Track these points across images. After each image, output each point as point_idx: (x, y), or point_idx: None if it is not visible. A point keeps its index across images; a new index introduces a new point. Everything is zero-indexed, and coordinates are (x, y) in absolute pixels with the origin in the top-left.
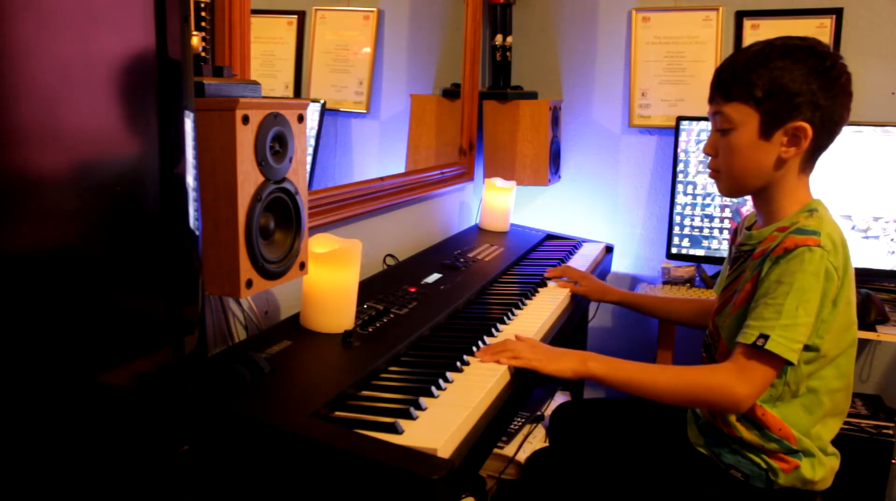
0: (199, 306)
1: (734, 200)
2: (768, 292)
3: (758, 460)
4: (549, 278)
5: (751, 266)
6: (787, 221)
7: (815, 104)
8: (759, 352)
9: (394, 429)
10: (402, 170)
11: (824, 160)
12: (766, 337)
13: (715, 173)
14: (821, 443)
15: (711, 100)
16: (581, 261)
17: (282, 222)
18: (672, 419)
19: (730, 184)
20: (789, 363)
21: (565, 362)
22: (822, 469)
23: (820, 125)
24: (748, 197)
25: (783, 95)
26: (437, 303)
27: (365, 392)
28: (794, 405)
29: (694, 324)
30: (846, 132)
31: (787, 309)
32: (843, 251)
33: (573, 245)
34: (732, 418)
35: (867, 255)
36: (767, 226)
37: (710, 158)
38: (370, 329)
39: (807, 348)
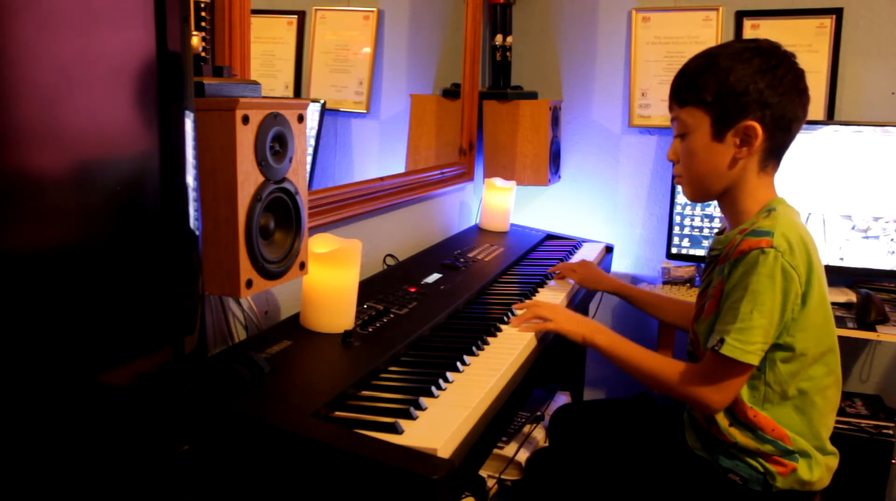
0: (199, 306)
1: None
2: (729, 297)
3: (755, 464)
4: (553, 273)
5: (717, 271)
6: (749, 223)
7: (763, 103)
8: (720, 357)
9: (394, 429)
10: (402, 170)
11: (824, 160)
12: (721, 342)
13: (679, 179)
14: (818, 442)
15: (670, 107)
16: None
17: (282, 222)
18: (671, 422)
19: (693, 188)
20: (750, 366)
21: (579, 327)
22: (819, 468)
23: (771, 124)
24: None
25: (731, 96)
26: (437, 303)
27: (365, 392)
28: (786, 407)
29: (681, 326)
30: (846, 132)
31: (741, 313)
32: (802, 250)
33: (573, 245)
34: (725, 424)
35: (867, 255)
36: (733, 230)
37: (674, 165)
38: (370, 329)
39: (780, 347)
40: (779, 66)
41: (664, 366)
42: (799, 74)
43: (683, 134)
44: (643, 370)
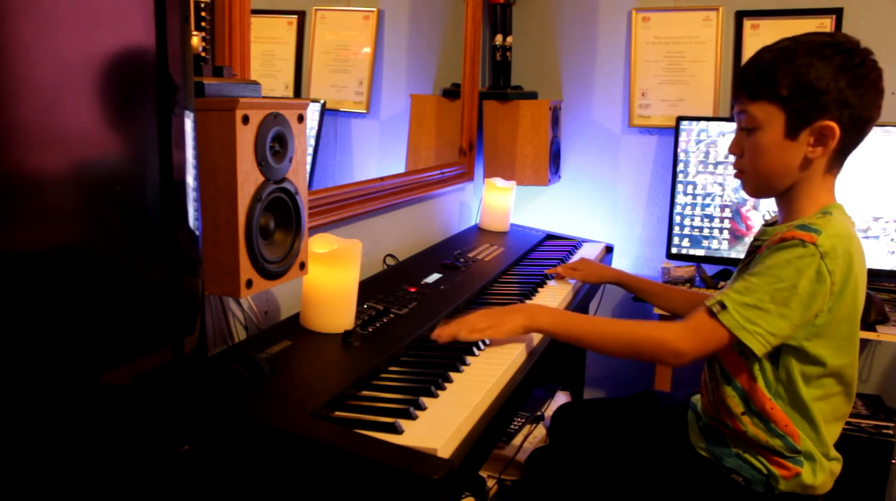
0: (199, 306)
1: (734, 200)
2: (749, 269)
3: (759, 465)
4: (551, 275)
5: (756, 260)
6: (802, 219)
7: (842, 103)
8: (712, 318)
9: (394, 429)
10: (402, 170)
11: None
12: (723, 307)
13: (740, 173)
14: (823, 448)
15: (736, 99)
16: None
17: (282, 222)
18: (673, 421)
19: (756, 184)
20: (745, 345)
21: (516, 320)
22: (822, 473)
23: (849, 124)
24: (748, 198)
25: (809, 93)
26: (437, 303)
27: (365, 392)
28: (794, 410)
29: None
30: None
31: (754, 289)
32: (845, 259)
33: (573, 245)
34: (738, 410)
35: (867, 255)
36: (784, 224)
37: (733, 157)
38: (370, 329)
39: (794, 351)
40: (861, 64)
41: (626, 326)
42: (879, 74)
43: (751, 129)
44: (601, 338)
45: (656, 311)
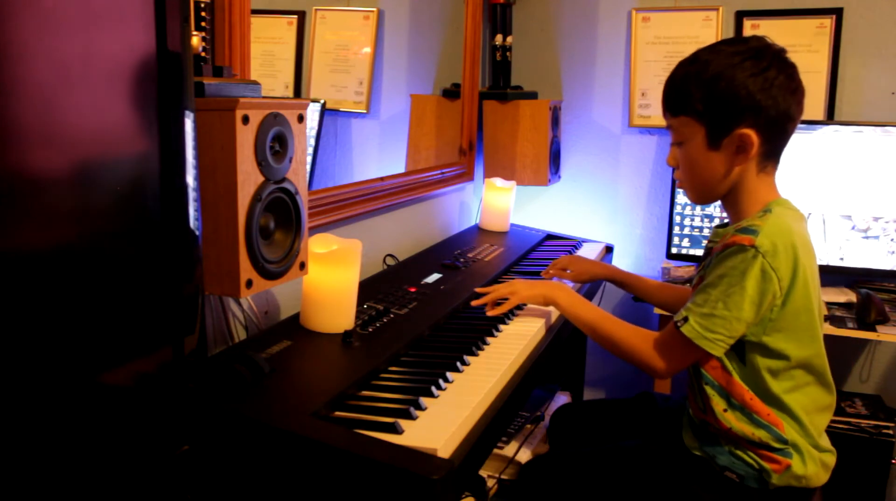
0: (199, 306)
1: None
2: (704, 280)
3: (750, 460)
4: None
5: (708, 264)
6: (746, 221)
7: (756, 108)
8: (679, 333)
9: (394, 429)
10: (402, 170)
11: (824, 160)
12: (685, 320)
13: (681, 184)
14: (811, 439)
15: (664, 114)
16: None
17: (282, 222)
18: (671, 423)
19: (695, 193)
20: (704, 350)
21: (538, 289)
22: (812, 463)
23: (766, 128)
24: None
25: (723, 104)
26: (437, 303)
27: (365, 392)
28: (772, 406)
29: (671, 311)
30: (846, 132)
31: (710, 300)
32: (788, 252)
33: (573, 245)
34: (720, 408)
35: (867, 255)
36: (731, 226)
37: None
38: (370, 329)
39: (756, 346)
40: (769, 67)
41: (621, 329)
42: (790, 73)
43: (679, 142)
44: (601, 331)
45: (657, 311)
